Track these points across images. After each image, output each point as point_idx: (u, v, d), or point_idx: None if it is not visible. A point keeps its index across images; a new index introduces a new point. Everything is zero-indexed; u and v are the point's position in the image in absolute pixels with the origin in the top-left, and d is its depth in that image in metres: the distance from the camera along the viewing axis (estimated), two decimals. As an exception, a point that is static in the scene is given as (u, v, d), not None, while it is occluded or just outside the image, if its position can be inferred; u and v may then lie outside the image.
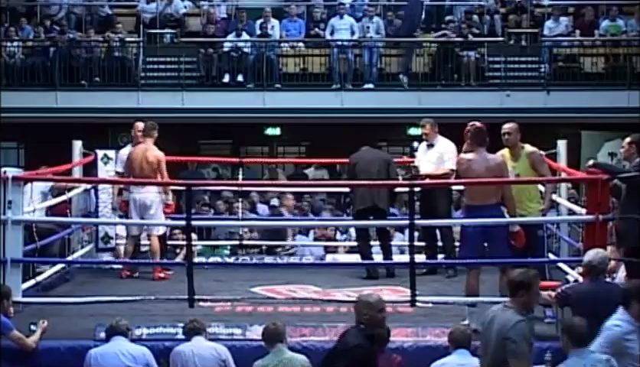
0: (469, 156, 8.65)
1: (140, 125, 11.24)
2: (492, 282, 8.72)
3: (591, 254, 7.44)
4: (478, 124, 8.73)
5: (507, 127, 9.31)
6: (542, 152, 9.84)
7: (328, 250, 12.78)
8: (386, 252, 11.02)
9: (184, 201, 11.52)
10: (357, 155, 11.21)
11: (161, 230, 10.96)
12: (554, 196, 11.21)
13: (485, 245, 8.56)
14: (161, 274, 10.80)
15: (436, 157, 10.92)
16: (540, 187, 9.92)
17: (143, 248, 11.23)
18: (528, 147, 9.39)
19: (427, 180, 10.80)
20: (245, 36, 18.24)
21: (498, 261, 8.60)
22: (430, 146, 11.02)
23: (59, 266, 10.64)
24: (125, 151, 11.26)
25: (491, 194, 8.52)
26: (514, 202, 8.65)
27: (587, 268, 7.40)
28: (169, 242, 11.50)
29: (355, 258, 11.77)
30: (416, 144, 12.23)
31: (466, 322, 8.32)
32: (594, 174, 8.73)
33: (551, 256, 10.68)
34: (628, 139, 8.73)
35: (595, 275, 7.38)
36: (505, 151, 9.24)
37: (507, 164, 8.85)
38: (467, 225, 8.60)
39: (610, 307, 6.75)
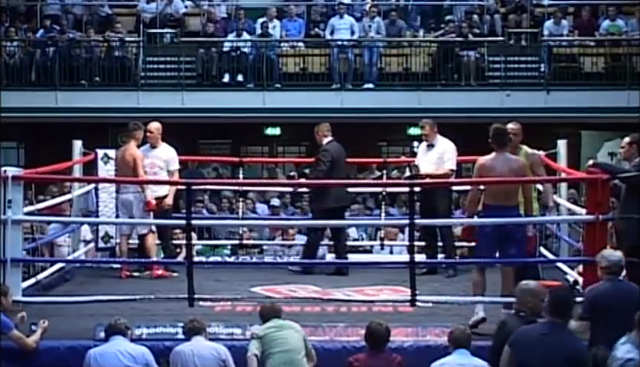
0: (491, 157, 8.60)
1: (152, 125, 11.28)
2: (491, 281, 8.70)
3: (607, 255, 7.35)
4: (499, 125, 8.70)
5: (513, 128, 9.22)
6: (539, 151, 9.82)
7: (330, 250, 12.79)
8: (342, 251, 11.13)
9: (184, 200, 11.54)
10: (333, 150, 11.13)
11: (144, 229, 10.98)
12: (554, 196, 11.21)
13: (500, 245, 8.53)
14: (159, 272, 10.81)
15: (436, 157, 10.92)
16: (539, 186, 9.90)
17: (131, 246, 11.27)
18: (527, 149, 9.33)
19: (427, 180, 10.79)
20: (245, 36, 18.25)
21: (498, 260, 8.59)
22: (430, 146, 11.01)
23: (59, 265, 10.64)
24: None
25: (512, 195, 8.50)
26: (532, 204, 8.64)
27: (605, 269, 7.31)
28: (174, 242, 11.50)
29: (355, 257, 11.79)
30: (416, 143, 12.24)
31: (481, 314, 8.27)
32: (594, 174, 8.72)
33: (551, 256, 10.69)
34: (627, 139, 8.72)
35: (612, 275, 7.29)
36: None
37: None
38: (484, 224, 8.56)
39: (628, 307, 6.73)
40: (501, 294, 8.49)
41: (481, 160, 8.75)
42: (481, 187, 8.77)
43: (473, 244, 9.17)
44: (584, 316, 7.11)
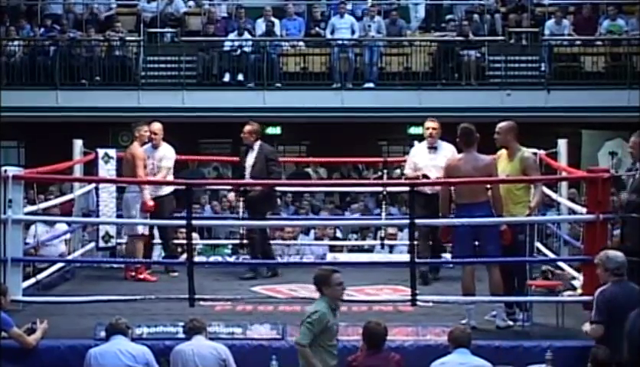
0: (458, 157, 8.77)
1: (155, 126, 11.27)
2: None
3: (612, 256, 7.30)
4: (466, 125, 8.74)
5: (498, 126, 9.11)
6: (539, 150, 9.78)
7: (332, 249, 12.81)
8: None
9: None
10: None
11: (139, 230, 10.94)
12: (554, 195, 11.20)
13: (476, 243, 8.55)
14: (141, 275, 10.75)
15: (445, 161, 10.70)
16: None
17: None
18: (525, 151, 9.02)
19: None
20: (246, 35, 18.25)
21: (497, 260, 8.58)
22: (432, 149, 10.72)
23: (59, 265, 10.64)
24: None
25: (479, 192, 8.56)
26: (502, 202, 8.62)
27: (613, 270, 7.24)
28: (175, 242, 11.49)
29: (356, 257, 11.79)
30: (416, 143, 12.15)
31: (465, 320, 8.32)
32: (594, 173, 8.71)
33: (551, 255, 10.68)
34: (634, 137, 8.53)
35: (619, 277, 7.24)
36: (502, 151, 9.16)
37: (502, 164, 8.79)
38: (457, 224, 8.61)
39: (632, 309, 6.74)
40: (490, 292, 8.52)
41: (449, 160, 9.00)
42: (452, 188, 8.87)
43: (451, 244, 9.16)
44: (599, 319, 7.07)
